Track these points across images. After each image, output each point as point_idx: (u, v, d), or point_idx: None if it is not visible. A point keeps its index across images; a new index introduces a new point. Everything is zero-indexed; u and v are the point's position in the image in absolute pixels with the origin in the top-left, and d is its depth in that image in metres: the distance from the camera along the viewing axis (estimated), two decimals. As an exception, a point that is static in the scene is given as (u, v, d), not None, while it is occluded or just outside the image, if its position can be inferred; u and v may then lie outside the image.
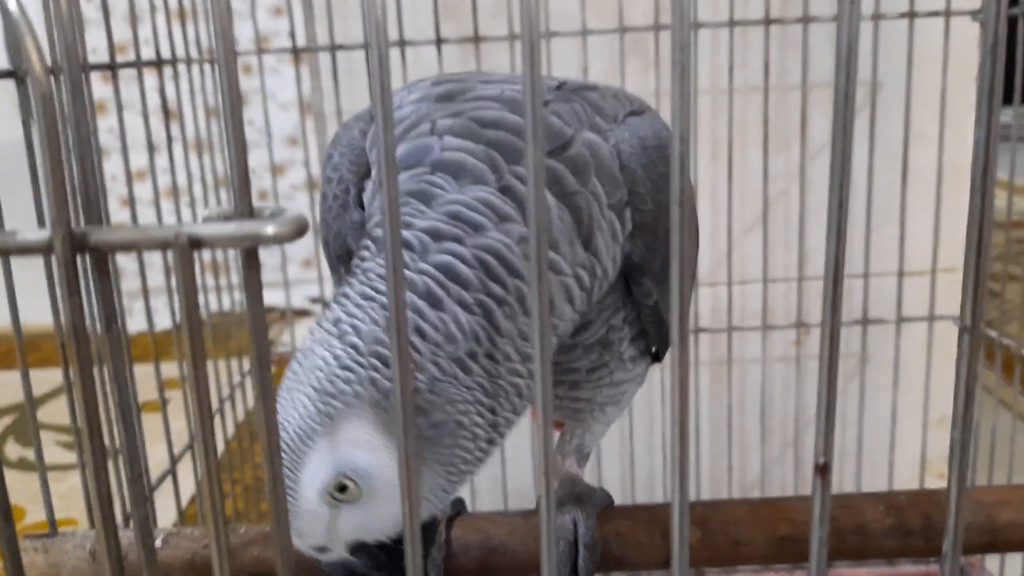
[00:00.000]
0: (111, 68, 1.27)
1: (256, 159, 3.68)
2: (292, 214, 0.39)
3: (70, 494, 2.81)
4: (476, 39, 1.65)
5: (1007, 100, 1.66)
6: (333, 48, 1.68)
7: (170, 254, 0.37)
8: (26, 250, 0.38)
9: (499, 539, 0.97)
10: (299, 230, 0.38)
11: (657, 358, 1.03)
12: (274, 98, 4.54)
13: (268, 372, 0.41)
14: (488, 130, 0.81)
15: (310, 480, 0.75)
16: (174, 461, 1.29)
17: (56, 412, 3.25)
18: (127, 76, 1.30)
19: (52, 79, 0.39)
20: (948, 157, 1.78)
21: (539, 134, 0.38)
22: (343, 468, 0.74)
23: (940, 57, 1.73)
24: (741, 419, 2.00)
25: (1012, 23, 1.59)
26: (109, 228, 0.38)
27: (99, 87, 1.35)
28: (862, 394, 1.88)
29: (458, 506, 1.00)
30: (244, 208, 0.39)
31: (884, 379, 1.89)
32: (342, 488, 0.75)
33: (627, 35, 1.71)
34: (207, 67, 1.60)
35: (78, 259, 0.38)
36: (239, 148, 0.38)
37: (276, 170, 5.11)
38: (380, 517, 0.78)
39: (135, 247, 0.38)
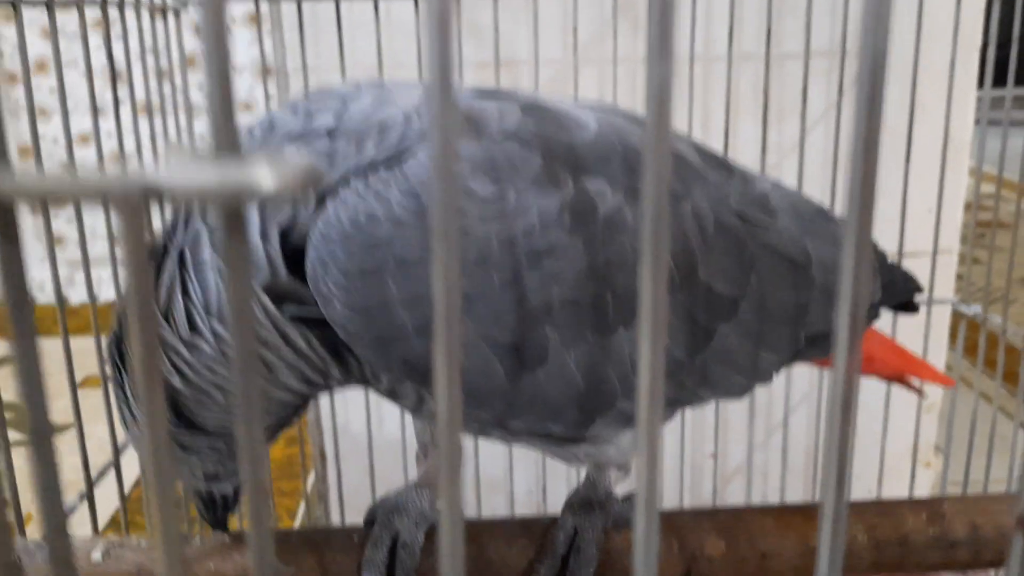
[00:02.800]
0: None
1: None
2: (293, 158, 0.26)
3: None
4: (456, -6, 1.52)
5: (1000, 81, 1.59)
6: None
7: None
8: None
9: (495, 549, 0.85)
10: (310, 179, 0.26)
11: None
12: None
13: (252, 344, 0.28)
14: None
15: None
16: (117, 451, 1.15)
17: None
18: (70, 32, 1.14)
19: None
20: (950, 134, 1.69)
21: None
22: None
23: (943, 31, 1.64)
24: (724, 402, 1.91)
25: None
26: (27, 173, 0.25)
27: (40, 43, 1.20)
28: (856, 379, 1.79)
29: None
30: (226, 145, 0.26)
31: (878, 364, 1.81)
32: None
33: (620, -7, 1.58)
34: (159, 26, 1.45)
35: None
36: (221, 62, 0.26)
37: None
38: None
39: (59, 201, 0.25)
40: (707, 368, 0.84)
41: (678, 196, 0.82)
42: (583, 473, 0.97)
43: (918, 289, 1.05)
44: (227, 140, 0.26)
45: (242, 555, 0.82)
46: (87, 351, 1.13)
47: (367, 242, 0.70)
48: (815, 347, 0.91)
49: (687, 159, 0.87)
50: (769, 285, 0.85)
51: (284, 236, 0.75)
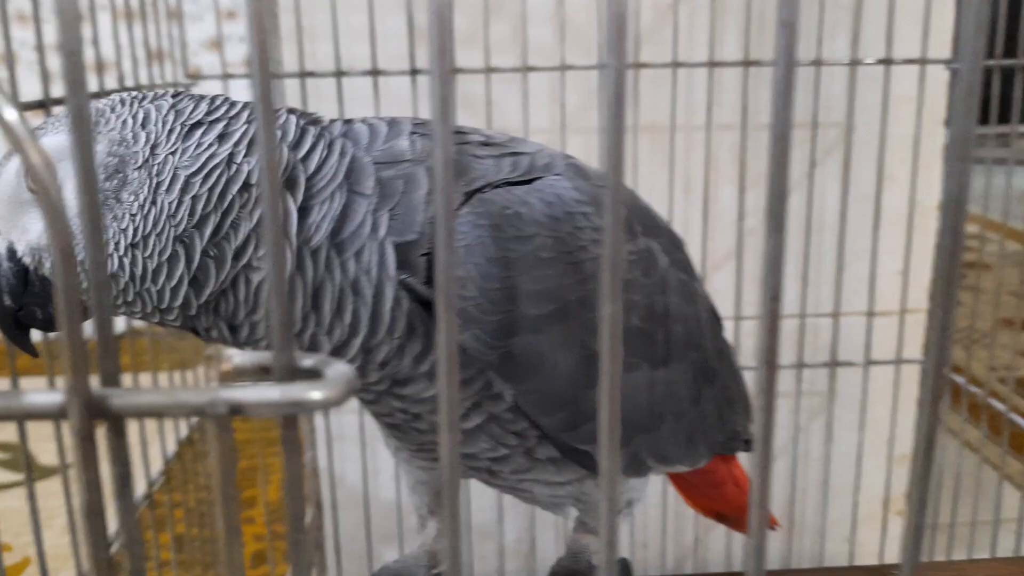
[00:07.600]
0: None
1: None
2: (338, 372, 0.35)
3: (5, 515, 2.68)
4: (452, 70, 1.61)
5: (982, 120, 1.70)
6: (303, 75, 1.62)
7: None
8: (34, 415, 0.33)
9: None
10: (348, 391, 0.34)
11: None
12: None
13: (303, 533, 0.37)
14: None
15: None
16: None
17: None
18: None
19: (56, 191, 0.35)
20: (916, 200, 1.79)
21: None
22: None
23: (911, 102, 1.74)
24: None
25: (985, 74, 1.61)
26: (132, 391, 0.33)
27: None
28: (829, 432, 1.88)
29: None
30: (285, 366, 0.35)
31: (850, 417, 1.90)
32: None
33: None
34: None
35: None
36: (280, 295, 0.34)
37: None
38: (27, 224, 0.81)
39: (163, 414, 0.33)
40: (692, 425, 0.93)
41: (692, 279, 0.95)
42: (569, 524, 1.05)
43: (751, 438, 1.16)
44: (287, 367, 0.35)
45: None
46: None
47: (514, 234, 0.77)
48: (729, 444, 1.01)
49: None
50: (726, 374, 0.96)
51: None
